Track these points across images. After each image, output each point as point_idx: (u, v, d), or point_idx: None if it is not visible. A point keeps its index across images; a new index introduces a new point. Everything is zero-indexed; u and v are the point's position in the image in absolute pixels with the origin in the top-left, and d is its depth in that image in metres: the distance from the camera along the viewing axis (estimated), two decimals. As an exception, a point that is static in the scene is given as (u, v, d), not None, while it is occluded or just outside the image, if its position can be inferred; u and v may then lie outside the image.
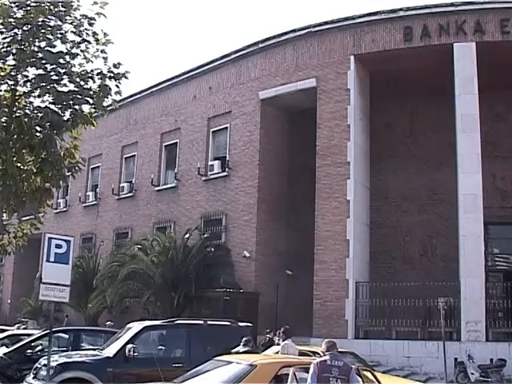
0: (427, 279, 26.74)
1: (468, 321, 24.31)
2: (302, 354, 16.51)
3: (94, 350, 16.95)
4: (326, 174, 27.35)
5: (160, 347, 16.32)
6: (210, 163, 32.06)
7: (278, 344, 17.50)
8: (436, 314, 23.94)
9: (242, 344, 14.68)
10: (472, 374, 22.14)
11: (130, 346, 15.16)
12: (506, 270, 30.83)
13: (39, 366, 15.03)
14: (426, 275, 28.15)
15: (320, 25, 28.91)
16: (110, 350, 15.56)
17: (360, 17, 28.11)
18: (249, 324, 18.19)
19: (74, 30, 16.25)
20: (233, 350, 14.22)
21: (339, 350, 10.64)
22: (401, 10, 27.47)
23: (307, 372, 10.03)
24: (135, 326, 16.36)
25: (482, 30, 26.54)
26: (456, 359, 23.07)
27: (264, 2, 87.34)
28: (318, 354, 16.58)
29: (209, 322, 17.09)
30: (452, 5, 26.99)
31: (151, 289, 28.18)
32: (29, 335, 20.28)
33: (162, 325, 17.02)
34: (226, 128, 31.97)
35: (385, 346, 24.80)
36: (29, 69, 16.23)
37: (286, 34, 29.94)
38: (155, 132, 36.31)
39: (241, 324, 17.54)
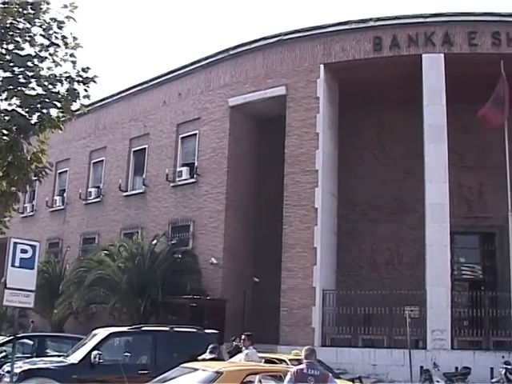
0: (394, 287, 26.86)
1: (434, 329, 24.51)
2: (268, 361, 16.52)
3: (59, 356, 16.79)
4: (294, 182, 27.41)
5: (126, 354, 16.19)
6: (178, 169, 31.96)
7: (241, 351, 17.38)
8: (402, 322, 24.08)
9: (208, 351, 14.62)
10: (437, 381, 22.25)
11: (95, 352, 15.04)
12: (472, 279, 31.23)
13: (2, 372, 14.87)
14: (393, 284, 28.27)
15: (290, 33, 29.01)
16: (75, 357, 15.44)
17: (330, 26, 28.28)
18: (215, 331, 18.15)
19: (43, 33, 16.04)
20: (199, 357, 14.15)
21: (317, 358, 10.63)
22: (371, 20, 27.68)
23: (273, 379, 10.02)
24: (101, 333, 16.24)
25: (451, 42, 26.87)
26: (422, 367, 23.17)
27: (234, 9, 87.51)
28: (285, 361, 16.65)
29: (175, 329, 17.01)
30: (421, 16, 27.28)
31: (118, 295, 28.00)
32: (-7, 341, 20.01)
33: (127, 331, 16.92)
34: (195, 134, 31.89)
35: (351, 354, 24.87)
36: (-4, 71, 16.02)
37: (256, 41, 30.00)
38: (124, 137, 36.13)
39: (207, 331, 17.50)
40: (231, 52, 30.74)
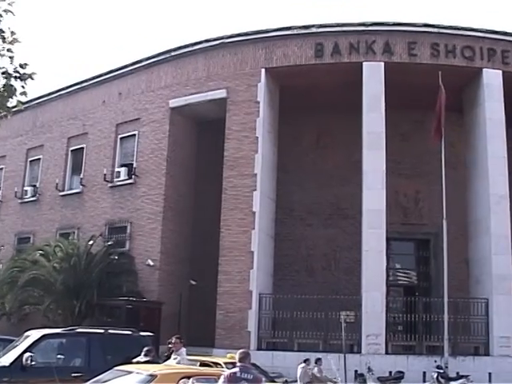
0: (330, 292, 27.15)
1: (368, 334, 24.83)
2: (203, 364, 16.48)
3: (-10, 358, 16.41)
4: (233, 185, 27.42)
5: (59, 356, 15.88)
6: (116, 170, 31.62)
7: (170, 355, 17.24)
8: (338, 327, 24.33)
9: (143, 354, 14.48)
10: (371, 385, 22.55)
11: (27, 354, 14.70)
12: (407, 284, 31.79)
13: None
14: (329, 288, 28.59)
15: (232, 36, 29.02)
16: (6, 359, 15.07)
17: (272, 31, 28.40)
18: (151, 333, 17.99)
19: (-21, 26, 15.70)
20: (134, 360, 14.01)
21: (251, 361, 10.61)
22: (313, 26, 27.91)
23: (208, 382, 9.97)
24: (33, 334, 15.91)
25: (391, 51, 27.30)
26: (356, 371, 23.45)
27: (177, 10, 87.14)
28: (220, 364, 16.63)
29: (110, 331, 16.78)
30: (363, 25, 27.64)
31: (52, 296, 27.56)
32: None
33: (61, 333, 16.62)
34: (134, 135, 31.60)
35: (286, 358, 24.94)
36: None
37: (198, 43, 29.88)
38: (62, 136, 35.59)
39: (142, 333, 17.32)
40: (173, 53, 30.58)
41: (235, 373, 9.82)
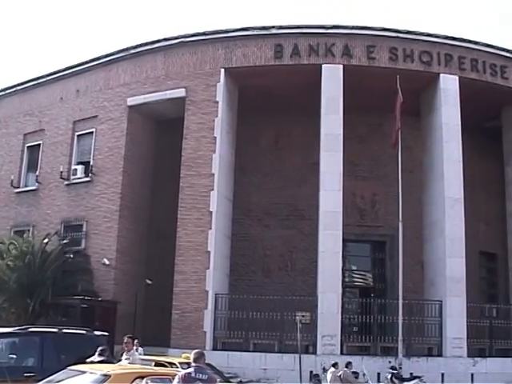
0: (286, 293, 27.23)
1: (324, 334, 24.98)
2: (158, 364, 16.39)
3: None
4: (190, 185, 27.32)
5: (11, 356, 15.64)
6: (73, 167, 31.29)
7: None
8: (293, 328, 24.40)
9: (97, 353, 14.34)
10: (326, 386, 22.65)
11: (-23, 354, 14.51)
12: (362, 286, 32.06)
13: None
14: (285, 289, 28.67)
15: (192, 35, 28.90)
16: (-43, 359, 14.84)
17: (232, 31, 28.37)
18: (105, 333, 17.83)
19: None
20: (88, 360, 13.86)
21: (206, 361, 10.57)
22: (273, 27, 27.96)
23: (162, 382, 9.92)
24: (-15, 333, 15.69)
25: (350, 54, 27.50)
26: (311, 372, 23.54)
27: (137, 8, 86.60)
28: (175, 364, 16.56)
29: (64, 331, 16.57)
30: (323, 27, 27.78)
31: (5, 294, 27.20)
32: None
33: (13, 332, 16.36)
34: (92, 132, 31.32)
35: (242, 358, 24.98)
36: None
37: (157, 41, 29.70)
38: (18, 132, 35.11)
39: (97, 333, 17.16)
40: (132, 51, 30.35)
41: (190, 373, 9.80)
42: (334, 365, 21.58)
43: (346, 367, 21.76)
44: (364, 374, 22.57)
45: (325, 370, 22.84)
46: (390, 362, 23.25)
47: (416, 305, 26.87)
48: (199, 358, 10.07)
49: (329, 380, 21.11)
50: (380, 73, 27.43)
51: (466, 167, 27.60)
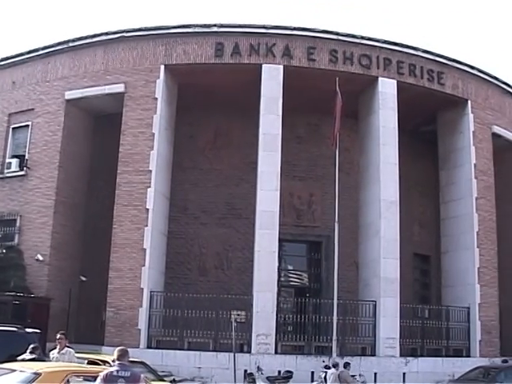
0: (222, 292, 27.22)
1: (259, 333, 25.04)
2: (91, 362, 16.22)
3: None
4: (127, 181, 27.03)
5: None
6: (7, 161, 30.65)
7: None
8: (228, 326, 24.44)
9: (28, 351, 14.13)
10: (260, 385, 22.74)
11: None
12: (298, 285, 32.29)
13: None
14: (221, 288, 28.69)
15: (133, 31, 28.58)
16: None
17: (173, 27, 28.17)
18: (37, 330, 17.58)
19: None
20: (18, 358, 13.64)
21: (130, 359, 10.44)
22: (214, 25, 27.88)
23: (93, 381, 9.81)
24: None
25: (290, 55, 27.63)
26: (246, 371, 23.63)
27: (78, 1, 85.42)
28: (108, 362, 16.39)
29: (-7, 328, 16.30)
30: (264, 27, 27.83)
31: None
32: None
33: None
34: (28, 126, 30.72)
35: (177, 356, 24.87)
36: None
37: (97, 35, 29.25)
38: (-51, 123, 34.25)
39: (28, 330, 16.89)
40: (71, 44, 29.83)
41: (112, 372, 9.66)
42: (335, 365, 21.76)
43: (345, 367, 21.96)
44: (360, 375, 22.90)
45: (259, 369, 22.95)
46: (323, 361, 23.47)
47: (350, 305, 27.17)
48: (123, 355, 9.91)
49: (330, 380, 21.22)
50: (320, 74, 27.66)
51: (401, 170, 28.04)
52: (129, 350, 10.36)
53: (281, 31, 27.94)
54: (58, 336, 16.37)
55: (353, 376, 22.78)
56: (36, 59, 30.99)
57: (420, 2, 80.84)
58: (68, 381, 10.50)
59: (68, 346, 16.86)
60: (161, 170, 27.51)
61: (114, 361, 9.97)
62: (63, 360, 15.02)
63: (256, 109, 27.22)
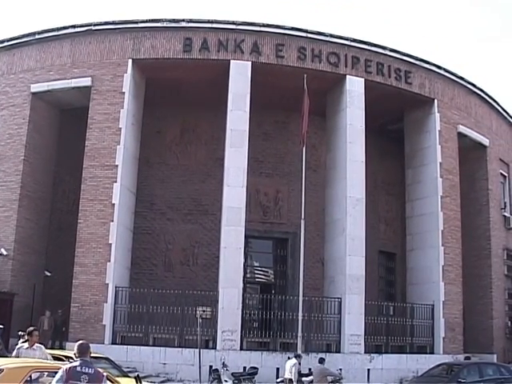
0: (187, 287, 27.14)
1: (224, 330, 25.04)
2: (55, 358, 16.06)
3: None
4: (93, 176, 26.79)
5: None
6: (-30, 154, 30.28)
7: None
8: (194, 322, 24.38)
9: (-10, 347, 13.97)
10: (226, 381, 22.71)
11: None
12: (264, 282, 32.35)
13: None
14: (187, 283, 28.62)
15: (100, 24, 28.34)
16: None
17: (141, 22, 27.99)
18: (0, 326, 17.39)
19: None
20: (-20, 353, 13.47)
21: (93, 355, 10.24)
22: (183, 20, 27.75)
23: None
24: None
25: (259, 51, 27.60)
26: (211, 367, 23.60)
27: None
28: (72, 358, 16.25)
29: (-46, 324, 16.07)
30: (233, 23, 27.77)
31: None
32: None
33: None
34: (-8, 118, 30.36)
35: (141, 352, 24.77)
36: None
37: (64, 28, 28.91)
38: None
39: (-9, 325, 16.71)
40: (37, 36, 29.47)
41: (75, 367, 9.31)
42: (297, 356, 21.73)
43: (320, 363, 21.87)
44: (338, 370, 22.95)
45: (224, 366, 22.92)
46: (289, 357, 23.51)
47: (316, 302, 27.28)
48: (84, 352, 9.56)
49: (292, 373, 21.15)
50: (288, 71, 27.69)
51: (368, 168, 28.20)
52: (93, 345, 10.21)
53: (250, 27, 27.89)
54: (30, 331, 16.07)
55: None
56: (1, 51, 30.56)
57: (389, 1, 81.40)
58: (31, 377, 10.39)
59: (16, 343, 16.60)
60: (127, 165, 27.32)
61: (75, 355, 9.66)
62: (34, 356, 14.79)
63: (224, 105, 27.16)
